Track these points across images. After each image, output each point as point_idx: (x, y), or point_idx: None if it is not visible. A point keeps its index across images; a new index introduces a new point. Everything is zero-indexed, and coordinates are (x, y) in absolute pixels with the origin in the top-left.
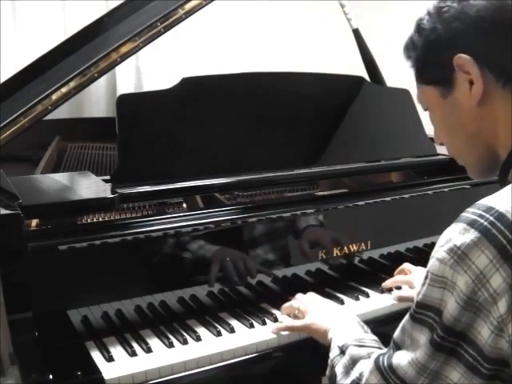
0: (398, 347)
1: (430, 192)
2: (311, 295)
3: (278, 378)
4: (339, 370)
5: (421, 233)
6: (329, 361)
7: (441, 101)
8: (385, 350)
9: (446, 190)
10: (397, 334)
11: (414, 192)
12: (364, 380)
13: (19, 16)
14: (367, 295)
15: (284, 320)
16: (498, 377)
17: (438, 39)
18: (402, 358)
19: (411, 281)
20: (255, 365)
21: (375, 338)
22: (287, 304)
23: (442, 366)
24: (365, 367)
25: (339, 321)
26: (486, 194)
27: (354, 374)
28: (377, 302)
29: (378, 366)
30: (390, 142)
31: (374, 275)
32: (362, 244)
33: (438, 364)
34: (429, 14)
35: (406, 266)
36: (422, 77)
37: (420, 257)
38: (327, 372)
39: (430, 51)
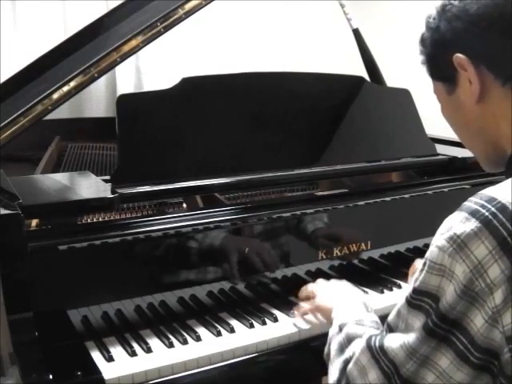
0: (391, 330)
1: (429, 192)
2: (332, 281)
3: (278, 378)
4: (334, 347)
5: (421, 233)
6: (328, 338)
7: (447, 97)
8: (379, 331)
9: (445, 190)
10: (391, 317)
11: (414, 192)
12: (354, 358)
13: (19, 16)
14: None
15: (283, 318)
16: (487, 369)
17: (441, 38)
18: (394, 341)
19: None
20: (255, 365)
21: (376, 319)
22: (304, 287)
23: (432, 351)
24: (357, 346)
25: (344, 300)
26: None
27: (348, 353)
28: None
29: (369, 346)
30: (390, 142)
31: (374, 275)
32: (362, 244)
33: (428, 349)
34: (436, 11)
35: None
36: (431, 72)
37: (420, 257)
38: (325, 349)
39: (436, 50)
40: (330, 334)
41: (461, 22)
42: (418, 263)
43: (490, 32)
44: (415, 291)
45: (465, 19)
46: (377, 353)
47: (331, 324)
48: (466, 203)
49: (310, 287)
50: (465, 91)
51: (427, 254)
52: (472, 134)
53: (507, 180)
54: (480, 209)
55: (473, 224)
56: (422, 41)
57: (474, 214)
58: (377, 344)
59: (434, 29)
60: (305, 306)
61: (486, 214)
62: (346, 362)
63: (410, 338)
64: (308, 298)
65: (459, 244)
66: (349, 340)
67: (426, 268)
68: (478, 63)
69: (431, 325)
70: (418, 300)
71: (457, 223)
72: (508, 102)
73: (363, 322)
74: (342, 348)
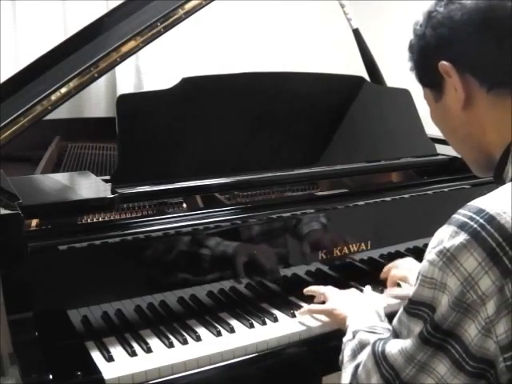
0: (396, 335)
1: (429, 192)
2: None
3: (278, 378)
4: (347, 352)
5: (421, 233)
6: (342, 345)
7: (435, 104)
8: (386, 335)
9: (445, 190)
10: (395, 322)
11: (414, 192)
12: (363, 362)
13: (19, 16)
14: None
15: (283, 318)
16: (483, 376)
17: (427, 45)
18: (394, 346)
19: (407, 276)
20: (255, 365)
21: (389, 326)
22: (312, 287)
23: (429, 358)
24: (367, 351)
25: (358, 309)
26: (487, 194)
27: (359, 358)
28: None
29: (373, 351)
30: (390, 142)
31: (374, 275)
32: (362, 244)
33: (425, 356)
34: (423, 17)
35: (399, 263)
36: (419, 79)
37: (420, 257)
38: (340, 356)
39: (422, 56)
40: (344, 341)
41: (445, 28)
42: (397, 263)
43: (474, 39)
44: (411, 301)
45: (449, 26)
46: (379, 358)
47: (345, 331)
48: (454, 216)
49: (323, 290)
50: (451, 98)
51: (420, 268)
52: (460, 140)
53: (495, 190)
54: (468, 221)
55: (461, 237)
56: (410, 47)
57: (462, 226)
58: (379, 349)
59: (421, 35)
60: (315, 307)
61: (475, 226)
62: (357, 367)
63: (407, 343)
64: (312, 297)
65: (449, 257)
66: (361, 346)
67: (418, 282)
68: (463, 70)
69: (425, 333)
70: (415, 309)
71: (446, 237)
72: (493, 109)
73: (376, 329)
74: (354, 354)
